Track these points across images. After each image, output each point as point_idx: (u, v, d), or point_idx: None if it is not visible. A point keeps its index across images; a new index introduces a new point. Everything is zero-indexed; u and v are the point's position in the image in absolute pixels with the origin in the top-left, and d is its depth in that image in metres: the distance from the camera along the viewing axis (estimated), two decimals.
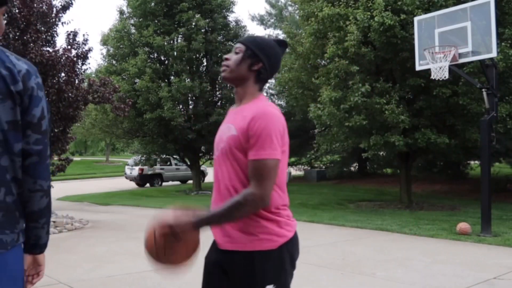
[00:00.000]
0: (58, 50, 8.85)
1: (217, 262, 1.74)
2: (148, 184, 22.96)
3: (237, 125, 1.70)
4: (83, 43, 9.33)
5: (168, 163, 23.55)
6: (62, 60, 8.51)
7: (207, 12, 18.15)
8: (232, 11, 19.43)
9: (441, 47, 8.02)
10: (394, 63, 11.24)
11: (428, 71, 8.42)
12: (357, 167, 24.05)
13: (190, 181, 21.31)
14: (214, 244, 1.82)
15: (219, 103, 19.05)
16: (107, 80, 9.71)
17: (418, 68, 8.53)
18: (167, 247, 1.63)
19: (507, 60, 9.31)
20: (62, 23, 9.40)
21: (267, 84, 10.75)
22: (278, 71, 1.87)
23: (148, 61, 17.44)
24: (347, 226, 8.50)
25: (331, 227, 8.45)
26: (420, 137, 10.56)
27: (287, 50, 12.74)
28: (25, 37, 8.14)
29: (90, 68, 33.11)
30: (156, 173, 23.05)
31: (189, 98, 18.31)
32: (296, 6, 16.39)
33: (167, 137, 17.76)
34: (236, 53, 1.81)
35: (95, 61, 60.88)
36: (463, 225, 7.49)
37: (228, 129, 1.75)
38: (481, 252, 6.22)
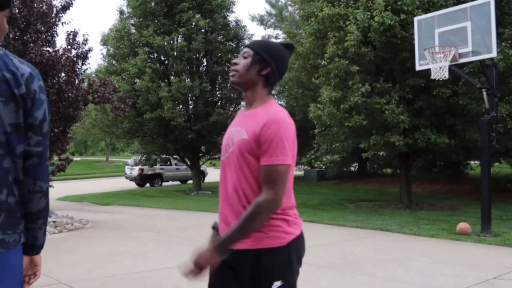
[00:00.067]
0: (58, 50, 8.85)
1: (225, 261, 1.77)
2: (148, 184, 22.96)
3: (249, 129, 1.74)
4: (83, 43, 9.33)
5: (168, 163, 23.55)
6: (62, 60, 8.51)
7: (207, 12, 18.14)
8: (232, 11, 19.43)
9: (441, 47, 8.02)
10: (394, 63, 11.24)
11: (428, 71, 8.41)
12: (357, 167, 24.04)
13: (190, 181, 21.30)
14: None
15: (219, 103, 19.04)
16: (107, 80, 9.71)
17: (418, 68, 8.53)
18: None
19: (507, 60, 9.31)
20: (62, 23, 9.41)
21: None
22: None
23: (148, 61, 17.43)
24: (347, 226, 8.50)
25: (331, 227, 8.45)
26: (420, 137, 10.56)
27: None
28: (25, 37, 8.14)
29: (90, 68, 33.16)
30: (156, 173, 23.05)
31: (189, 98, 18.30)
32: (296, 6, 16.40)
33: (167, 137, 17.75)
34: (245, 57, 1.84)
35: (95, 61, 60.93)
36: (463, 225, 7.49)
37: (238, 133, 1.78)
38: (481, 252, 6.22)
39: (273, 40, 28.02)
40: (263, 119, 1.71)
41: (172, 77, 17.75)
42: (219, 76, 18.98)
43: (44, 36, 8.83)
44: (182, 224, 9.24)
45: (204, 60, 19.06)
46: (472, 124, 10.72)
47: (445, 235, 7.31)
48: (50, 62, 8.22)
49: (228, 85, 19.21)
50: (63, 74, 8.69)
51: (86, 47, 9.36)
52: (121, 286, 4.53)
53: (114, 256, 5.92)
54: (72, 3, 9.36)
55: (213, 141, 17.68)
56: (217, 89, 19.43)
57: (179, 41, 17.61)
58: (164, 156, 20.76)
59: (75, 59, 8.95)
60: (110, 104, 10.02)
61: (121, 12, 18.94)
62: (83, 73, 9.57)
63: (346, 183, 20.44)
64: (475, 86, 8.52)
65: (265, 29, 59.71)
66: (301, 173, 24.93)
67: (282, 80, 14.84)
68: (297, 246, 1.77)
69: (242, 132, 1.76)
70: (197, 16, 17.27)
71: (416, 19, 8.72)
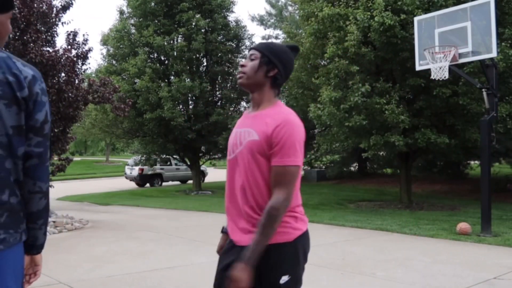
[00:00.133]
0: (58, 50, 8.85)
1: (233, 259, 1.81)
2: (148, 184, 22.96)
3: (259, 130, 1.79)
4: (83, 43, 9.33)
5: (168, 163, 23.55)
6: (62, 60, 8.51)
7: (207, 12, 18.15)
8: (232, 11, 19.43)
9: (441, 47, 8.01)
10: (394, 63, 11.24)
11: (428, 71, 8.41)
12: (357, 167, 24.05)
13: (190, 181, 21.31)
14: (229, 243, 1.92)
15: (219, 103, 19.05)
16: (107, 80, 9.70)
17: (418, 68, 8.53)
18: None
19: (507, 60, 9.31)
20: (62, 23, 9.41)
21: None
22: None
23: (148, 61, 17.44)
24: (347, 226, 8.50)
25: (331, 227, 8.45)
26: (420, 137, 10.56)
27: None
28: (25, 37, 8.14)
29: (90, 68, 33.21)
30: (156, 173, 23.04)
31: (189, 98, 18.31)
32: (296, 6, 16.39)
33: (167, 137, 17.76)
34: (252, 59, 1.88)
35: (95, 61, 61.01)
36: (463, 225, 7.49)
37: (248, 134, 1.83)
38: (481, 252, 6.22)
39: (274, 40, 28.04)
40: (275, 120, 1.77)
41: (172, 77, 17.76)
42: (219, 76, 18.99)
43: (44, 36, 8.82)
44: (182, 224, 9.24)
45: (204, 60, 19.07)
46: (472, 124, 10.72)
47: (445, 235, 7.31)
48: (50, 62, 8.22)
49: (228, 85, 19.23)
50: (63, 74, 8.69)
51: (86, 47, 9.36)
52: (121, 286, 4.53)
53: (114, 256, 5.91)
54: (72, 3, 9.36)
55: (213, 141, 17.68)
56: (217, 89, 19.43)
57: (179, 41, 17.61)
58: (164, 156, 20.77)
59: (75, 59, 8.95)
60: (110, 104, 10.02)
61: (121, 12, 18.95)
62: (83, 73, 9.57)
63: (346, 183, 20.44)
64: (475, 86, 8.52)
65: (265, 29, 59.74)
66: (301, 173, 24.89)
67: None
68: (303, 242, 1.83)
69: (252, 133, 1.81)
70: (197, 16, 17.28)
71: (416, 19, 8.72)
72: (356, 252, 6.16)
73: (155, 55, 18.32)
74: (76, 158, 36.90)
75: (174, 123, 16.29)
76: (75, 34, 9.31)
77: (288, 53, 1.92)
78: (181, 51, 17.03)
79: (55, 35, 9.28)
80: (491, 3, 7.33)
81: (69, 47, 9.15)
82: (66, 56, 8.63)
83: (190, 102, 18.68)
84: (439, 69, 7.85)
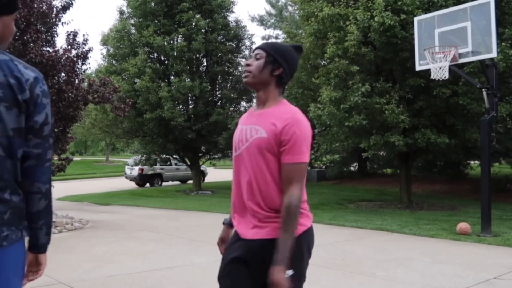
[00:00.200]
0: (58, 50, 8.85)
1: (238, 254, 1.86)
2: (148, 184, 22.96)
3: (267, 128, 1.83)
4: (83, 43, 9.32)
5: (168, 163, 23.54)
6: (62, 60, 8.51)
7: (207, 12, 18.15)
8: (232, 11, 19.44)
9: (441, 47, 8.01)
10: (394, 63, 11.23)
11: (428, 71, 8.41)
12: (357, 167, 24.04)
13: (190, 181, 21.30)
14: (234, 237, 1.96)
15: (219, 103, 19.05)
16: (107, 80, 9.70)
17: (418, 68, 8.53)
18: None
19: (507, 60, 9.31)
20: (62, 23, 9.39)
21: None
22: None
23: (148, 61, 17.44)
24: (347, 226, 8.51)
25: (331, 227, 8.45)
26: (420, 137, 10.55)
27: None
28: (25, 37, 8.14)
29: (90, 68, 33.13)
30: (156, 173, 23.04)
31: (189, 98, 18.31)
32: (296, 6, 16.38)
33: (167, 137, 17.76)
34: (257, 59, 1.93)
35: (95, 61, 61.01)
36: (463, 225, 7.49)
37: (255, 131, 1.87)
38: (481, 252, 6.22)
39: (274, 40, 28.02)
40: (283, 119, 1.81)
41: (172, 77, 17.76)
42: (219, 76, 18.99)
43: (44, 36, 8.82)
44: (182, 224, 9.24)
45: (204, 60, 19.07)
46: (472, 124, 10.72)
47: (445, 235, 7.31)
48: (50, 62, 8.21)
49: (228, 85, 19.23)
50: (63, 74, 8.69)
51: (86, 47, 9.35)
52: (121, 286, 4.53)
53: (114, 256, 5.92)
54: (72, 3, 9.35)
55: (213, 141, 17.68)
56: (217, 89, 19.44)
57: (179, 41, 17.61)
58: (164, 156, 20.77)
59: (75, 59, 8.95)
60: (110, 104, 10.02)
61: (121, 12, 18.95)
62: (83, 73, 9.56)
63: (346, 183, 20.44)
64: (475, 86, 8.52)
65: (265, 29, 59.69)
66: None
67: None
68: (308, 237, 1.88)
69: (260, 131, 1.85)
70: (197, 16, 17.28)
71: (416, 19, 8.72)
72: (356, 252, 6.16)
73: (155, 55, 18.32)
74: (76, 158, 36.91)
75: (174, 123, 16.30)
76: (75, 34, 9.31)
77: (293, 52, 1.95)
78: (181, 51, 17.03)
79: (55, 35, 9.27)
80: (491, 3, 7.33)
81: (69, 47, 9.14)
82: (66, 56, 8.63)
83: (190, 102, 18.68)
84: (439, 69, 7.85)
